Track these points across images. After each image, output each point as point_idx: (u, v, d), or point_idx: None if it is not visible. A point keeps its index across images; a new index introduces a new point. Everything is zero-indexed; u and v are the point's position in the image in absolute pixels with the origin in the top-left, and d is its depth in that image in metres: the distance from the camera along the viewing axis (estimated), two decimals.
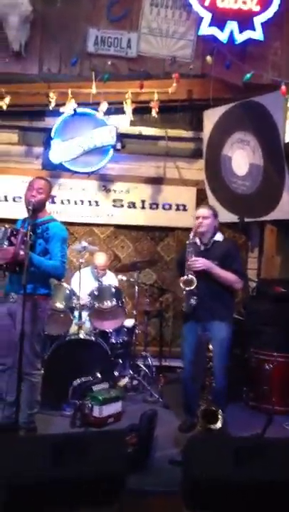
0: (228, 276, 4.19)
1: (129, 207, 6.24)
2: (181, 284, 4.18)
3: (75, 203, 6.19)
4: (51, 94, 4.99)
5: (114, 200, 6.23)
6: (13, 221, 4.30)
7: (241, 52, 4.84)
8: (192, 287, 4.13)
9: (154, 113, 5.16)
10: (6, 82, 5.04)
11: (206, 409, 3.56)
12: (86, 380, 4.46)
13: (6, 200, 6.05)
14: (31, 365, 3.74)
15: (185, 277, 4.16)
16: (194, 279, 4.12)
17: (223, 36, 4.74)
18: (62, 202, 6.16)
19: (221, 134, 5.90)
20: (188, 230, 6.22)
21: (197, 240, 4.33)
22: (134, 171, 6.33)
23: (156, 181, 6.31)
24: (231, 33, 4.73)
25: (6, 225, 3.81)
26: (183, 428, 4.25)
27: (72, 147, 5.94)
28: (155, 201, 6.26)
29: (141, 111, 5.97)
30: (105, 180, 6.22)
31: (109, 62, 4.54)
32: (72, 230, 6.23)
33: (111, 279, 5.62)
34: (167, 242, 6.40)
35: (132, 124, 6.19)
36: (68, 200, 6.18)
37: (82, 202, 6.20)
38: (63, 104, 5.29)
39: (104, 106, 5.14)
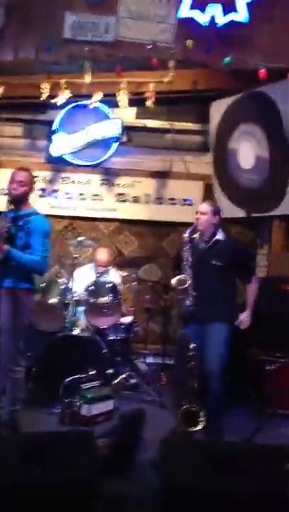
0: (255, 297, 4.14)
1: (133, 201, 6.10)
2: (174, 283, 4.05)
3: (79, 197, 6.08)
4: (43, 85, 4.86)
5: (117, 195, 6.09)
6: None
7: (226, 36, 4.56)
8: (185, 286, 4.00)
9: (149, 103, 5.01)
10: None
11: (186, 410, 3.39)
12: (77, 378, 4.35)
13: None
14: (12, 361, 3.66)
15: (178, 276, 4.03)
16: (187, 277, 4.00)
17: (204, 19, 4.47)
18: (65, 196, 6.06)
19: (227, 126, 5.70)
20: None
21: (199, 238, 4.16)
22: (139, 164, 6.17)
23: (162, 175, 6.13)
24: (213, 15, 4.47)
25: None
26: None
27: (75, 140, 5.85)
28: (160, 196, 6.10)
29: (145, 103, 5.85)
30: (109, 174, 6.09)
31: (86, 49, 4.36)
32: (76, 225, 6.14)
33: (113, 276, 5.50)
34: (172, 237, 6.21)
35: (138, 116, 6.06)
36: (71, 194, 6.07)
37: (85, 196, 6.08)
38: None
39: (97, 96, 5.00)
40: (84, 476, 2.60)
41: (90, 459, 2.63)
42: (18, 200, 3.71)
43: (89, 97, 5.28)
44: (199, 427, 3.32)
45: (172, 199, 6.11)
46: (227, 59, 4.41)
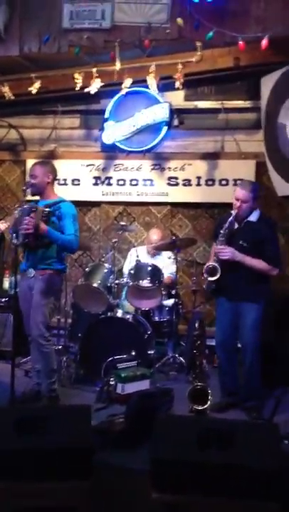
0: (259, 265, 3.98)
1: (184, 185, 6.10)
2: (204, 274, 4.07)
3: (131, 183, 6.21)
4: (76, 76, 5.04)
5: (168, 179, 6.13)
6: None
7: (222, 10, 4.42)
8: (214, 278, 3.99)
9: (178, 85, 4.99)
10: (36, 69, 5.22)
11: (195, 389, 3.43)
12: (116, 358, 4.52)
13: (65, 183, 6.23)
14: (41, 336, 3.98)
15: (210, 265, 4.03)
16: (218, 268, 3.96)
17: None
18: (118, 183, 6.22)
19: (276, 100, 5.49)
20: None
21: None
22: (191, 147, 6.16)
23: (213, 156, 6.07)
24: None
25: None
26: (215, 408, 4.13)
27: (125, 127, 5.98)
28: (211, 177, 6.04)
29: (196, 84, 5.82)
30: (160, 159, 6.14)
31: (85, 36, 4.45)
32: (130, 211, 6.30)
33: (164, 258, 5.59)
34: None
35: (188, 98, 6.05)
36: (124, 181, 6.22)
37: (137, 182, 6.20)
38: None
39: (127, 82, 5.08)
40: (79, 446, 2.78)
41: (84, 432, 2.80)
42: (36, 193, 4.08)
43: (113, 84, 5.39)
44: (206, 406, 3.34)
45: (224, 180, 6.02)
46: (210, 33, 4.32)
